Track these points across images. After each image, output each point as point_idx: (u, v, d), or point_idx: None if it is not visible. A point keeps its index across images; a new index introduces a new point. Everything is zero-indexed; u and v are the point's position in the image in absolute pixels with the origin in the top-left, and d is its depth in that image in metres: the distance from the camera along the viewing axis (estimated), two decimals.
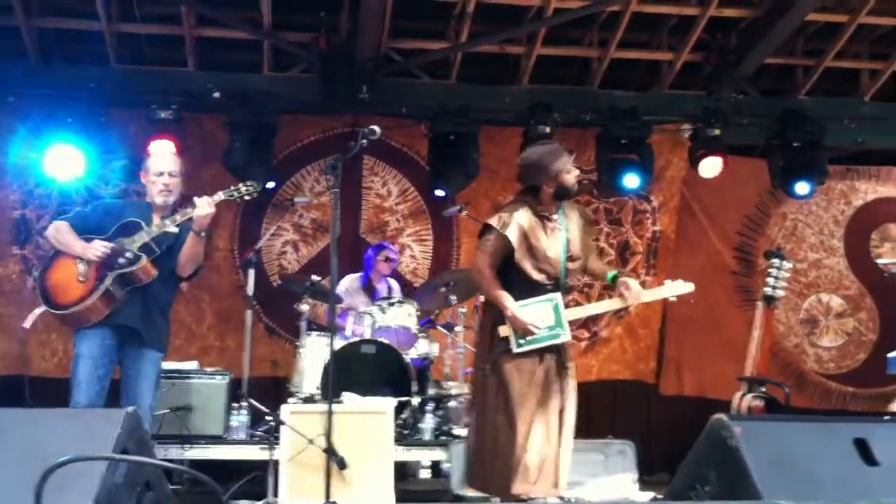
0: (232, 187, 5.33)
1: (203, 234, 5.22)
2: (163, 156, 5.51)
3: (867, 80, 9.18)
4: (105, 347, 5.10)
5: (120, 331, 5.14)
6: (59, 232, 5.22)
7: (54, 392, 7.06)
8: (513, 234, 5.01)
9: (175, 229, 5.17)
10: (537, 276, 5.04)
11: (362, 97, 8.11)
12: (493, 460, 4.98)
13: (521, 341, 4.98)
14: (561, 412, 5.04)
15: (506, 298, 4.99)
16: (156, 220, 5.20)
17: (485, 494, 5.27)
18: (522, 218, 5.07)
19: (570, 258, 5.10)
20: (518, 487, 4.86)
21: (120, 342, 5.15)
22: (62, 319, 5.17)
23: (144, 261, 5.07)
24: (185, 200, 8.53)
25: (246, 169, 8.12)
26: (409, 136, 8.89)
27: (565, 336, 5.00)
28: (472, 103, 8.46)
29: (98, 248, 5.07)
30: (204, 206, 5.09)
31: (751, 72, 8.58)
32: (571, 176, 5.14)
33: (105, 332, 5.10)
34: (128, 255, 5.06)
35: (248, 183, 5.30)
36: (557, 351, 5.07)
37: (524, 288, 5.03)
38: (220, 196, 5.22)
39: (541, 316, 4.96)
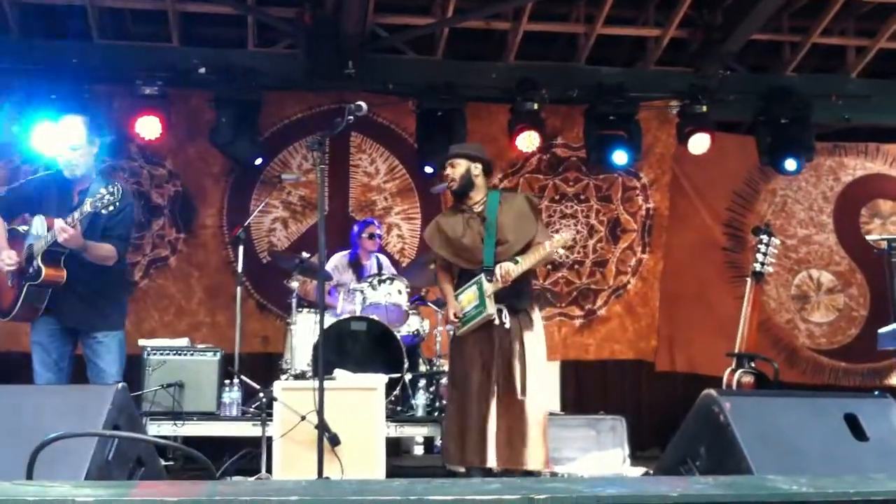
0: (97, 196, 4.73)
1: (82, 249, 4.93)
2: (61, 132, 5.24)
3: (853, 57, 9.18)
4: (54, 333, 5.11)
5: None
6: None
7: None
8: (428, 236, 5.75)
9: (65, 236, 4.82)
10: (460, 263, 5.57)
11: (348, 73, 8.08)
12: (446, 433, 5.56)
13: (460, 325, 5.47)
14: (510, 401, 5.29)
15: (447, 293, 5.64)
16: (74, 197, 5.06)
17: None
18: (444, 218, 5.75)
19: (498, 242, 5.41)
20: (451, 459, 5.50)
21: (71, 327, 5.15)
22: (14, 321, 5.17)
23: (44, 273, 4.93)
24: (172, 177, 8.63)
25: (232, 145, 8.13)
26: (396, 113, 8.87)
27: (489, 311, 5.28)
28: (459, 79, 8.46)
29: (6, 260, 5.01)
30: (59, 233, 4.77)
31: (737, 48, 8.55)
32: (445, 175, 5.70)
33: (52, 319, 5.11)
34: (32, 267, 4.97)
35: (111, 190, 4.70)
36: (491, 328, 5.36)
37: (460, 276, 5.59)
38: (77, 215, 4.79)
39: (468, 298, 5.41)
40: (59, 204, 5.06)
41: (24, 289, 4.98)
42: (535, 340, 5.42)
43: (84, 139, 5.14)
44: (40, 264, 4.94)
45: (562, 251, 5.75)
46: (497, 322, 5.31)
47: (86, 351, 5.17)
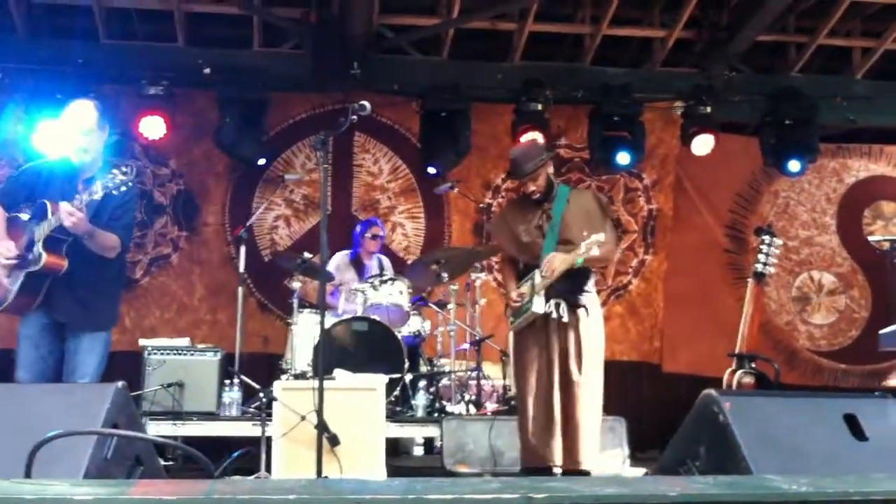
0: (109, 176, 4.57)
1: (87, 236, 4.70)
2: (73, 115, 4.99)
3: (859, 58, 9.17)
4: (44, 327, 4.87)
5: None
6: None
7: None
8: (494, 229, 5.70)
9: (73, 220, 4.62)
10: (521, 257, 5.45)
11: (353, 74, 8.07)
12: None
13: (512, 319, 5.42)
14: (566, 385, 5.22)
15: (507, 285, 5.58)
16: (80, 185, 4.80)
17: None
18: (511, 209, 5.67)
19: (560, 241, 5.27)
20: (524, 458, 5.36)
21: (60, 322, 4.91)
22: (6, 313, 4.94)
23: (45, 259, 4.69)
24: (175, 176, 8.64)
25: (237, 145, 8.15)
26: (400, 114, 8.88)
27: (534, 308, 5.18)
28: (464, 80, 8.46)
29: (3, 252, 4.76)
30: (66, 217, 4.55)
31: (743, 49, 8.54)
32: (523, 188, 5.55)
33: (44, 314, 4.87)
34: (31, 254, 4.72)
35: (123, 169, 4.57)
36: (548, 324, 5.26)
37: (522, 271, 5.44)
38: (86, 197, 4.57)
39: (526, 293, 5.31)
40: (62, 191, 4.81)
41: (21, 277, 4.73)
42: (592, 336, 5.31)
43: (96, 123, 4.96)
44: (41, 250, 4.70)
45: (612, 256, 5.66)
46: (554, 316, 5.21)
47: (68, 346, 4.91)
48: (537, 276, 5.23)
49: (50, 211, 4.72)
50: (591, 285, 5.41)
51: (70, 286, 4.82)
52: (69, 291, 4.83)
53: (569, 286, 5.25)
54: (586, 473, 5.12)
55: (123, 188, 4.58)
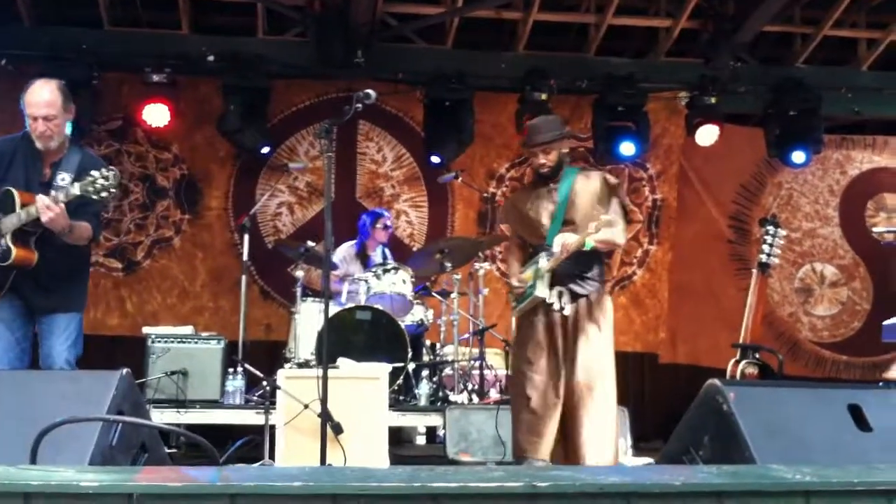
0: (89, 179, 4.33)
1: (65, 231, 4.48)
2: (33, 97, 4.60)
3: (865, 50, 9.16)
4: (16, 309, 4.67)
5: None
6: None
7: None
8: (504, 214, 5.44)
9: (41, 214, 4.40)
10: (532, 240, 5.22)
11: (357, 62, 8.07)
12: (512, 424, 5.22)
13: (514, 303, 5.24)
14: (570, 376, 4.96)
15: (510, 266, 5.39)
16: (46, 169, 4.61)
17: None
18: (520, 193, 5.48)
19: (566, 222, 5.06)
20: (519, 448, 5.05)
21: (31, 304, 4.72)
22: None
23: (14, 253, 4.47)
24: (178, 161, 8.65)
25: (240, 133, 8.15)
26: (404, 102, 8.88)
27: (537, 293, 4.97)
28: (468, 69, 8.44)
29: None
30: (44, 211, 4.32)
31: (748, 39, 8.51)
32: (533, 160, 5.25)
33: (16, 297, 4.66)
34: (0, 247, 4.51)
35: (105, 175, 4.30)
36: (550, 315, 5.04)
37: (531, 254, 5.20)
38: (62, 197, 4.35)
39: (527, 277, 5.12)
40: (26, 175, 4.60)
41: None
42: (596, 328, 5.01)
43: (59, 106, 4.60)
44: (10, 244, 4.47)
45: (619, 239, 5.20)
46: (556, 307, 4.97)
47: (41, 328, 4.74)
48: (542, 260, 5.02)
49: (18, 203, 4.47)
50: (597, 273, 5.16)
51: (36, 276, 4.62)
52: (36, 280, 4.63)
53: (573, 271, 5.01)
54: None
55: (104, 194, 4.32)
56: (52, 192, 4.38)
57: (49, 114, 4.56)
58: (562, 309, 5.00)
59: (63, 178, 4.43)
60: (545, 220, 5.13)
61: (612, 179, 5.21)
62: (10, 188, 4.52)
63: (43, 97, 4.59)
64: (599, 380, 4.96)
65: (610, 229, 4.94)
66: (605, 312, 5.11)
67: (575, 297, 5.04)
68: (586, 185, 5.16)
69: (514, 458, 5.12)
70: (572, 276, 5.04)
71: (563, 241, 4.91)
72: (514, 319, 5.49)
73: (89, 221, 4.64)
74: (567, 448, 4.95)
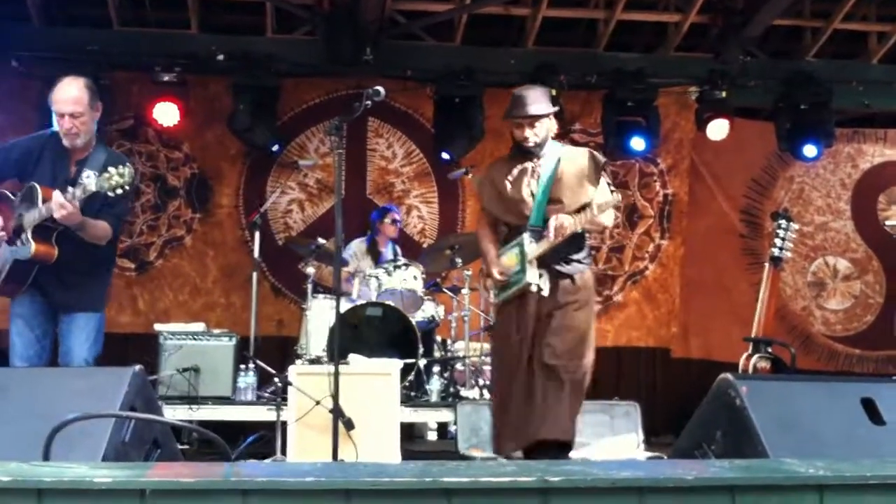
0: (104, 175, 4.30)
1: (78, 227, 4.49)
2: (60, 94, 4.62)
3: (875, 43, 9.11)
4: (37, 305, 4.70)
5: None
6: None
7: None
8: (478, 187, 5.10)
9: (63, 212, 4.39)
10: (508, 218, 4.94)
11: (366, 59, 8.06)
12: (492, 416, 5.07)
13: (496, 293, 4.94)
14: (532, 360, 4.74)
15: (487, 252, 5.00)
16: (72, 167, 4.64)
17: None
18: (497, 166, 5.09)
19: (551, 200, 4.80)
20: (500, 444, 4.90)
21: (52, 302, 4.75)
22: None
23: (34, 248, 4.49)
24: (188, 160, 8.66)
25: (250, 131, 8.17)
26: (413, 99, 8.89)
27: (528, 279, 4.70)
28: (477, 66, 8.43)
29: None
30: (57, 209, 4.33)
31: (758, 33, 8.48)
32: (516, 132, 4.92)
33: (37, 294, 4.69)
34: (20, 240, 4.54)
35: (120, 171, 4.28)
36: (527, 296, 4.79)
37: (507, 235, 4.96)
38: (79, 193, 4.34)
39: (509, 261, 4.84)
40: (53, 172, 4.63)
41: (10, 263, 4.56)
42: (576, 308, 4.76)
43: (86, 104, 4.61)
44: (30, 239, 4.49)
45: (608, 222, 4.95)
46: (533, 289, 4.70)
47: (61, 327, 4.74)
48: (526, 242, 4.73)
49: (41, 198, 4.50)
50: (585, 255, 4.92)
51: (58, 272, 4.63)
52: (58, 277, 4.65)
53: (560, 252, 4.77)
54: (566, 445, 4.70)
55: (119, 191, 4.29)
56: (71, 189, 4.38)
57: (76, 111, 4.57)
58: (540, 289, 4.73)
59: (88, 175, 4.40)
60: (527, 197, 4.84)
61: (600, 157, 4.96)
62: (35, 184, 4.55)
63: (70, 94, 4.60)
64: (574, 353, 4.72)
65: (602, 211, 4.74)
66: (585, 292, 4.86)
67: (558, 276, 4.78)
68: (573, 162, 4.89)
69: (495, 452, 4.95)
70: (558, 258, 4.79)
71: (560, 224, 4.67)
72: (492, 309, 5.31)
73: (110, 222, 4.64)
74: (527, 422, 4.69)
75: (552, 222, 4.68)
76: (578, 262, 4.87)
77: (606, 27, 8.68)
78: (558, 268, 4.79)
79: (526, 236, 4.77)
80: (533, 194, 4.84)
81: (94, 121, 4.70)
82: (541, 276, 4.73)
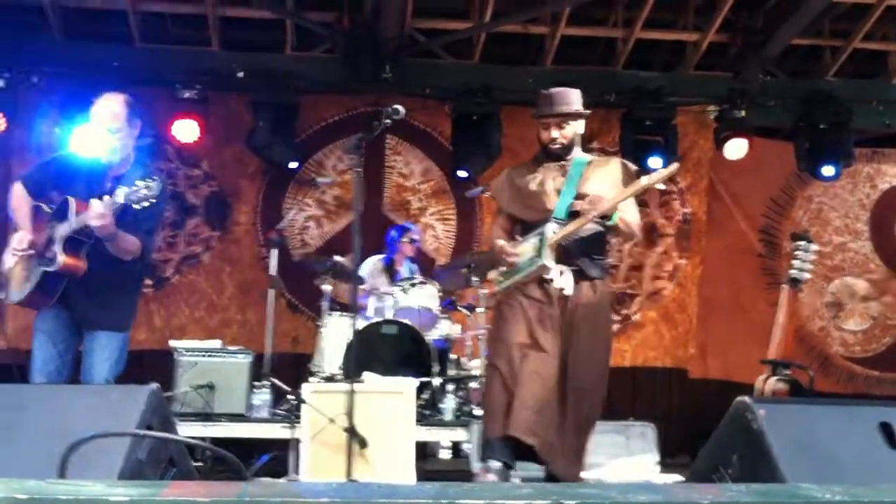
0: (132, 188, 4.29)
1: (110, 238, 4.50)
2: (99, 110, 4.72)
3: (895, 62, 9.07)
4: (61, 323, 4.71)
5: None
6: (14, 197, 4.78)
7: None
8: (496, 189, 4.95)
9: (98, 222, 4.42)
10: (529, 215, 4.75)
11: (385, 77, 8.09)
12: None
13: (502, 279, 4.80)
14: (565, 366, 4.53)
15: (497, 242, 4.81)
16: (108, 183, 4.63)
17: None
18: (518, 169, 4.96)
19: (578, 196, 4.61)
20: (490, 430, 4.61)
21: (78, 316, 4.75)
22: (21, 305, 4.82)
23: (63, 260, 4.51)
24: (207, 178, 8.70)
25: (269, 148, 8.21)
26: (431, 117, 8.90)
27: (544, 262, 4.50)
28: (495, 84, 8.44)
29: (15, 245, 4.65)
30: (96, 217, 4.34)
31: (777, 52, 8.47)
32: (543, 133, 4.80)
33: (62, 309, 4.70)
34: (50, 252, 4.56)
35: (148, 184, 4.27)
36: (547, 291, 4.60)
37: (524, 231, 4.79)
38: (117, 201, 4.32)
39: (524, 250, 4.67)
40: (88, 187, 4.62)
41: (37, 274, 4.58)
42: (597, 320, 4.59)
43: (124, 120, 4.70)
44: (60, 251, 4.51)
45: (662, 186, 4.72)
46: (556, 285, 4.49)
47: (85, 344, 4.75)
48: (548, 230, 4.54)
49: (73, 210, 4.52)
50: (604, 261, 4.74)
51: (87, 287, 4.64)
52: (86, 291, 4.66)
53: (584, 248, 4.58)
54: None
55: (145, 203, 4.29)
56: (107, 198, 4.37)
57: (114, 126, 4.66)
58: (562, 288, 4.52)
59: (121, 189, 4.42)
60: (551, 191, 4.67)
61: (632, 166, 4.83)
62: (69, 197, 4.58)
63: (109, 110, 4.69)
64: (593, 378, 4.58)
65: (635, 215, 4.65)
66: (604, 299, 4.72)
67: (581, 277, 4.58)
68: (603, 168, 4.76)
69: (487, 440, 4.62)
70: (582, 254, 4.60)
71: (595, 198, 4.47)
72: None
73: (139, 237, 4.65)
74: (554, 456, 4.48)
75: (583, 203, 4.49)
76: (600, 262, 4.69)
77: (625, 46, 8.68)
78: (584, 267, 4.60)
79: (549, 226, 4.60)
80: (558, 190, 4.67)
81: (132, 137, 4.78)
82: (562, 273, 4.55)
